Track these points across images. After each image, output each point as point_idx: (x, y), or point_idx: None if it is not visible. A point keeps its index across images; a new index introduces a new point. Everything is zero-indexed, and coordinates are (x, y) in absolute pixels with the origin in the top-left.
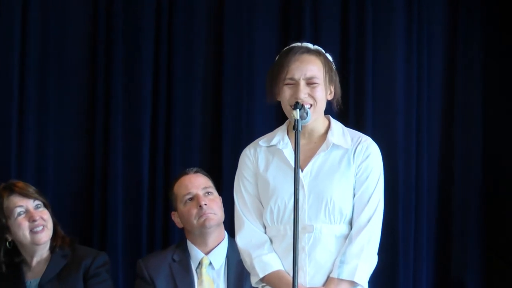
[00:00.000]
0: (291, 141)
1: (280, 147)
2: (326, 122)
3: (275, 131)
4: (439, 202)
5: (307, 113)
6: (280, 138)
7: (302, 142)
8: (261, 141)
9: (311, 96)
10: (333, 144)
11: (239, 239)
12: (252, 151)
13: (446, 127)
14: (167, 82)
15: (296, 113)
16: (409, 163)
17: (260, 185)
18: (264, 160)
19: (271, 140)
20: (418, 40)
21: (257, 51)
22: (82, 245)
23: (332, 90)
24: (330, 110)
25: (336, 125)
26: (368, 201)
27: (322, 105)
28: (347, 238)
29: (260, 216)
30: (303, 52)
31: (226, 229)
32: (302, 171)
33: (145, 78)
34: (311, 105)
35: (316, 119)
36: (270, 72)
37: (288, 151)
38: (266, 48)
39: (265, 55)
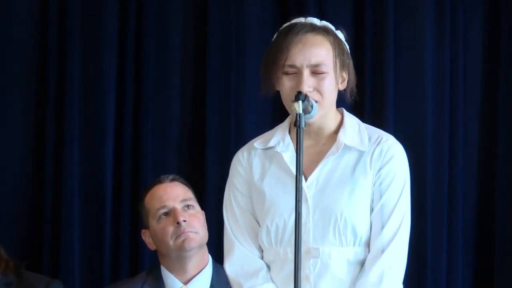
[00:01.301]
0: (293, 143)
1: (279, 150)
2: (339, 117)
3: (273, 130)
4: (477, 219)
5: (312, 106)
6: (280, 139)
7: (307, 143)
8: (256, 143)
9: (317, 89)
10: (345, 145)
11: (229, 266)
12: (245, 154)
13: (487, 123)
14: (135, 67)
15: (298, 106)
16: (441, 169)
17: (255, 197)
18: (259, 166)
19: (268, 141)
20: (452, 10)
21: (249, 29)
22: (29, 271)
23: (345, 77)
24: (342, 102)
25: (351, 120)
26: (390, 216)
27: (331, 99)
28: (363, 263)
29: (255, 236)
30: (306, 32)
31: (210, 252)
32: (306, 180)
33: (107, 60)
34: (316, 101)
35: (324, 114)
36: (265, 56)
37: (289, 155)
38: (259, 25)
39: (259, 34)
